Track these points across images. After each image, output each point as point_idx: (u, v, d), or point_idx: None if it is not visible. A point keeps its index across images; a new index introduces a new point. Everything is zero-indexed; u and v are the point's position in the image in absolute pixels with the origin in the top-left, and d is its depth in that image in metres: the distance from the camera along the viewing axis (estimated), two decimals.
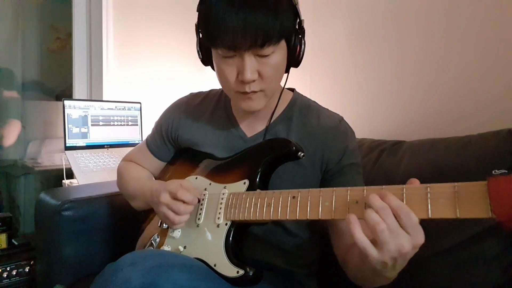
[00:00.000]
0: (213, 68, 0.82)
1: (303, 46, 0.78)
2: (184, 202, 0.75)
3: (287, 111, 0.89)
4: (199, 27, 0.78)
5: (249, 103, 0.77)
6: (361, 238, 0.54)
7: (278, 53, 0.74)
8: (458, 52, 1.13)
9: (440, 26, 1.18)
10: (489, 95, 1.07)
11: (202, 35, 0.77)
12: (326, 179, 0.85)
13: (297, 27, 0.76)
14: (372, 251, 0.53)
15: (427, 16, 1.20)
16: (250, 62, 0.71)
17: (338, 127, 0.87)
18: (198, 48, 0.81)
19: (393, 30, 1.30)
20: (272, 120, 0.88)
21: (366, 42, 1.38)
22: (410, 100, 1.26)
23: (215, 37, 0.70)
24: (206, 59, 0.81)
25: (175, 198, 0.75)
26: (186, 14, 1.99)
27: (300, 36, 0.76)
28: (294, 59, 0.78)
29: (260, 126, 0.89)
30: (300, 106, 0.90)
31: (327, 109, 0.92)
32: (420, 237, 0.52)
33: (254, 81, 0.73)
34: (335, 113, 0.91)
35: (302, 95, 0.93)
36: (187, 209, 0.76)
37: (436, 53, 1.19)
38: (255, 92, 0.75)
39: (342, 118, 0.90)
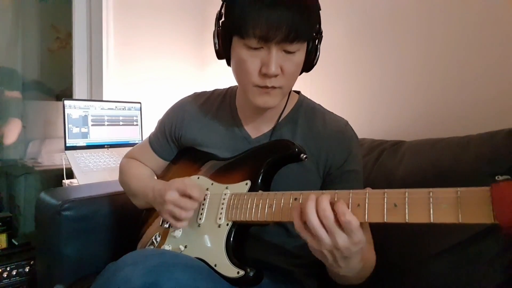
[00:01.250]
0: (227, 62, 0.82)
1: (318, 52, 0.80)
2: (191, 198, 0.76)
3: (292, 114, 0.89)
4: (224, 17, 0.76)
5: (266, 98, 0.77)
6: (298, 222, 0.60)
7: (301, 52, 0.75)
8: (458, 52, 1.14)
9: (440, 26, 1.18)
10: (489, 95, 1.07)
11: (228, 23, 0.75)
12: (326, 183, 0.85)
13: (315, 33, 0.77)
14: (306, 235, 0.59)
15: (427, 16, 1.21)
16: (277, 56, 0.72)
17: (344, 131, 0.87)
18: (216, 39, 0.80)
19: (393, 30, 1.30)
20: (277, 122, 0.88)
21: (367, 42, 1.38)
22: (410, 100, 1.26)
23: (247, 26, 0.70)
24: (222, 52, 0.80)
25: (183, 194, 0.76)
26: (186, 14, 2.00)
27: (317, 42, 0.78)
28: (308, 64, 0.80)
29: (265, 128, 0.89)
30: (306, 108, 0.90)
31: (332, 112, 0.92)
32: (357, 237, 0.56)
33: (276, 75, 0.74)
34: (340, 117, 0.91)
35: (307, 98, 0.94)
36: (194, 206, 0.76)
37: (436, 53, 1.19)
38: (274, 87, 0.75)
39: (347, 122, 0.90)
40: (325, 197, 0.57)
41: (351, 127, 0.89)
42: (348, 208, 0.57)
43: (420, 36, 1.23)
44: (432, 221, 0.51)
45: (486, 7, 1.07)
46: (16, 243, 1.49)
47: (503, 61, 1.04)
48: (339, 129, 0.87)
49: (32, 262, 1.41)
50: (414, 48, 1.25)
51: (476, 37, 1.10)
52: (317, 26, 0.77)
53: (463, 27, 1.12)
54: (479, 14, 1.09)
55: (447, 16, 1.16)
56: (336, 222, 0.56)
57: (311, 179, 0.85)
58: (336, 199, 0.58)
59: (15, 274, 1.38)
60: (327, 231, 0.56)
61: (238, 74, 0.79)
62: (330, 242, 0.56)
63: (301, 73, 0.81)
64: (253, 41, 0.71)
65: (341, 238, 0.56)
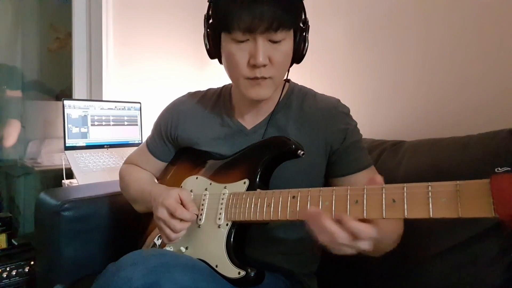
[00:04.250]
0: (219, 60, 0.83)
1: (307, 43, 0.81)
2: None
3: (285, 100, 0.90)
4: (211, 15, 0.79)
5: (258, 89, 0.78)
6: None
7: (288, 41, 0.77)
8: (458, 52, 1.13)
9: (440, 26, 1.18)
10: (489, 95, 1.07)
11: (215, 22, 0.78)
12: (333, 162, 0.85)
13: (301, 24, 0.79)
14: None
15: (427, 16, 1.20)
16: (263, 46, 0.73)
17: (336, 107, 0.88)
18: (206, 40, 0.82)
19: (393, 30, 1.30)
20: (273, 112, 0.88)
21: (367, 42, 1.38)
22: (410, 100, 1.26)
23: (232, 20, 0.72)
24: (213, 51, 0.82)
25: (173, 216, 0.75)
26: (186, 14, 2.00)
27: (304, 33, 0.80)
28: (298, 54, 0.81)
29: (259, 118, 0.89)
30: (297, 94, 0.91)
31: (323, 94, 0.93)
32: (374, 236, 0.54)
33: (265, 66, 0.75)
34: (331, 96, 0.92)
35: (298, 84, 0.95)
36: (184, 226, 0.75)
37: (436, 53, 1.19)
38: (264, 78, 0.76)
39: (338, 100, 0.90)
40: (328, 221, 0.55)
41: (343, 104, 0.90)
42: (346, 204, 0.57)
43: (420, 36, 1.23)
44: (431, 216, 0.50)
45: (486, 7, 1.07)
46: (16, 243, 1.49)
47: (503, 61, 1.04)
48: (332, 106, 0.88)
49: (31, 262, 1.41)
50: (414, 48, 1.24)
51: (476, 37, 1.10)
52: (302, 16, 0.79)
53: (463, 27, 1.12)
54: (479, 14, 1.09)
55: (447, 16, 1.16)
56: (350, 233, 0.54)
57: (314, 161, 0.85)
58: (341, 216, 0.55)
59: (15, 274, 1.38)
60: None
61: (229, 69, 0.81)
62: (354, 251, 0.56)
63: (291, 64, 0.82)
64: (239, 34, 0.73)
65: (363, 244, 0.55)
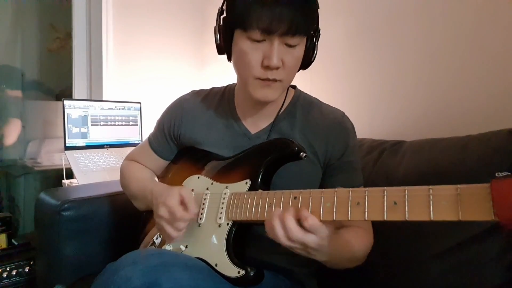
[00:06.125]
0: (228, 56, 0.83)
1: (316, 50, 0.82)
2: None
3: (290, 108, 0.90)
4: (225, 9, 0.78)
5: (266, 91, 0.78)
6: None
7: (301, 46, 0.77)
8: (458, 52, 1.14)
9: (440, 26, 1.18)
10: (489, 95, 1.07)
11: (230, 17, 0.77)
12: (326, 174, 0.87)
13: (313, 32, 0.79)
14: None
15: (427, 16, 1.21)
16: (279, 49, 0.74)
17: (341, 123, 0.88)
18: (218, 34, 0.81)
19: (393, 30, 1.30)
20: (276, 117, 0.88)
21: (367, 42, 1.38)
22: (410, 100, 1.26)
23: (251, 19, 0.72)
24: (223, 46, 0.81)
25: (174, 216, 0.75)
26: (186, 14, 2.00)
27: (315, 40, 0.80)
28: (306, 61, 0.82)
29: (264, 123, 0.89)
30: (303, 102, 0.91)
31: (328, 104, 0.93)
32: (323, 233, 0.61)
33: (278, 68, 0.75)
34: (336, 108, 0.92)
35: (303, 92, 0.95)
36: (186, 224, 0.75)
37: (436, 53, 1.19)
38: (275, 80, 0.77)
39: (343, 113, 0.91)
40: (289, 217, 0.61)
41: (348, 118, 0.91)
42: (348, 206, 0.58)
43: (420, 35, 1.23)
44: (432, 218, 0.51)
45: (485, 7, 1.07)
46: (16, 243, 1.49)
47: (503, 61, 1.04)
48: (337, 121, 0.88)
49: (32, 262, 1.41)
50: (414, 48, 1.25)
51: (476, 37, 1.10)
52: (316, 24, 0.79)
53: (463, 27, 1.12)
54: (479, 14, 1.09)
55: (447, 15, 1.16)
56: (302, 228, 0.60)
57: (313, 170, 0.86)
58: (299, 206, 0.63)
59: (15, 274, 1.37)
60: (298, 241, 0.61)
61: (239, 67, 0.80)
62: (302, 246, 0.62)
63: (298, 70, 0.83)
64: (257, 33, 0.72)
65: (310, 239, 0.60)
